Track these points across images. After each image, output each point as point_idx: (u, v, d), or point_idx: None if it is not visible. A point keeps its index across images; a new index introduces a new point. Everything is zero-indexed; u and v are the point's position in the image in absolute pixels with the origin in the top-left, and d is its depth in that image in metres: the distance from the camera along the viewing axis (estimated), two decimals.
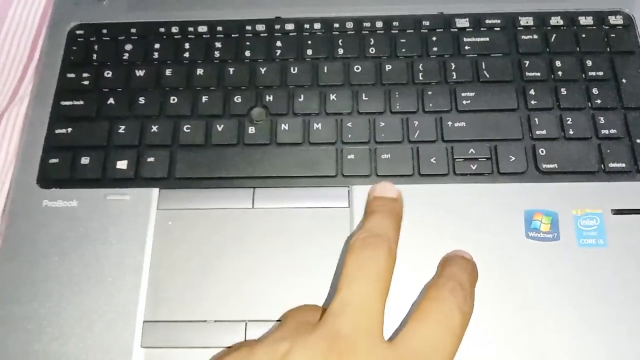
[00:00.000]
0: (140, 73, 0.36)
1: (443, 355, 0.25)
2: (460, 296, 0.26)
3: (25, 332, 0.30)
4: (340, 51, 0.36)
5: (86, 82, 0.36)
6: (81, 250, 0.31)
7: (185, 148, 0.34)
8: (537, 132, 0.33)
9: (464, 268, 0.28)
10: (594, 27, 0.37)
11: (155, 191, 0.33)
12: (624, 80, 0.35)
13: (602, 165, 0.33)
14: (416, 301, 0.29)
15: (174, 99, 0.35)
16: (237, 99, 0.35)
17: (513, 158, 0.33)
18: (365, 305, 0.25)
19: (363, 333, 0.25)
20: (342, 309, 0.25)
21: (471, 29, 0.37)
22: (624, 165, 0.33)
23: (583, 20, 0.37)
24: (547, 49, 0.36)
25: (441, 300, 0.26)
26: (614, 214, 0.31)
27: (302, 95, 0.35)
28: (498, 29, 0.37)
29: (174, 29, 0.38)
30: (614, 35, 0.36)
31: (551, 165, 0.33)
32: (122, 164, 0.34)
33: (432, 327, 0.25)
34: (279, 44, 0.37)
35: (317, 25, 0.37)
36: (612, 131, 0.33)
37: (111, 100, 0.35)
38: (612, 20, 0.37)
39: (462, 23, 0.37)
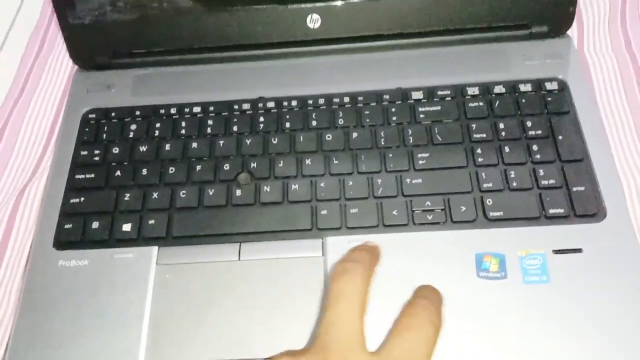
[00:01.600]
0: (143, 148, 0.41)
1: None
2: (432, 312, 0.31)
3: None
4: (314, 123, 0.42)
5: (97, 158, 0.41)
6: (91, 303, 0.36)
7: (181, 210, 0.39)
8: (485, 185, 0.38)
9: (433, 291, 0.33)
10: (533, 93, 0.41)
11: (154, 249, 0.37)
12: (560, 137, 0.39)
13: (543, 211, 0.37)
14: (396, 319, 0.32)
15: (171, 169, 0.40)
16: (226, 166, 0.40)
17: (464, 208, 0.37)
18: (346, 324, 0.29)
19: (349, 347, 0.29)
20: (329, 329, 0.29)
21: (425, 100, 0.42)
22: (562, 210, 0.36)
23: (523, 87, 0.42)
24: (492, 114, 0.41)
25: (416, 316, 0.31)
26: (555, 253, 0.35)
27: (281, 162, 0.40)
28: (449, 98, 0.42)
29: (172, 110, 0.43)
30: (550, 98, 0.41)
31: (498, 213, 0.37)
32: (126, 227, 0.38)
33: (410, 338, 0.30)
34: (261, 119, 0.42)
35: (294, 102, 0.43)
36: (551, 181, 0.37)
37: (118, 172, 0.41)
38: (549, 86, 0.42)
39: (418, 95, 0.42)
